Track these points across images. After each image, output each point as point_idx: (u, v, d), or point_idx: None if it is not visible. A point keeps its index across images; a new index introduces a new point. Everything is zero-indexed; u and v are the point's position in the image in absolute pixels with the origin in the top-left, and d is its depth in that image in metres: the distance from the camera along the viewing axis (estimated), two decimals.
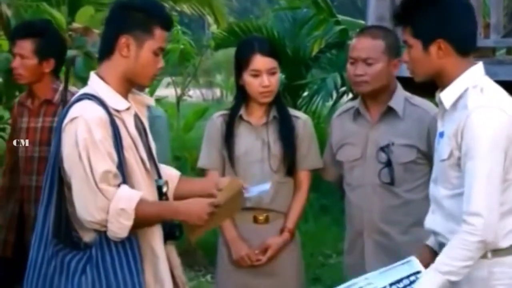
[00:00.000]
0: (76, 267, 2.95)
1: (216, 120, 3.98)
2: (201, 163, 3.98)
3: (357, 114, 3.84)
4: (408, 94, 3.79)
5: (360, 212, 3.78)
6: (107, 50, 3.03)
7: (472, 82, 2.92)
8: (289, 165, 3.90)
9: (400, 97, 3.76)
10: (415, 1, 2.99)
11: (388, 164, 3.70)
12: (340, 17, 10.11)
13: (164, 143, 4.05)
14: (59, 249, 2.97)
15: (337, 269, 6.71)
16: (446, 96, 2.95)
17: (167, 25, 3.07)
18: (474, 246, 2.78)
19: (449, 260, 2.80)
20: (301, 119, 3.97)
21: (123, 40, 2.98)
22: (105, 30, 3.11)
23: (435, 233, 3.03)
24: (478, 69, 2.97)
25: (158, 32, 3.02)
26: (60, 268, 2.96)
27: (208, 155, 3.96)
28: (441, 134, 2.98)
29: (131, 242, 2.96)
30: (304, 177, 3.96)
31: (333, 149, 3.92)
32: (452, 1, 2.98)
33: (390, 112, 3.76)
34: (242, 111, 3.93)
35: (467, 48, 2.98)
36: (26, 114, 4.33)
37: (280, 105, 3.94)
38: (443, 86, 2.98)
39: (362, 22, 9.34)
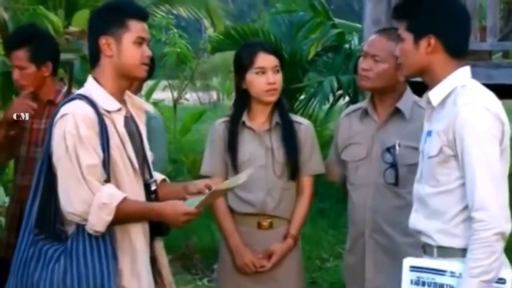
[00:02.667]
0: (52, 256, 3.08)
1: (218, 127, 3.97)
2: (204, 170, 3.96)
3: (364, 114, 3.86)
4: (417, 97, 3.81)
5: (362, 212, 3.80)
6: (94, 55, 3.19)
7: (461, 82, 2.97)
8: (293, 170, 3.90)
9: (409, 100, 3.78)
10: None
11: (393, 164, 3.71)
12: (337, 21, 10.11)
13: (160, 142, 4.04)
14: (40, 239, 3.11)
15: (334, 273, 6.71)
16: (434, 94, 3.00)
17: (140, 15, 3.19)
18: (493, 240, 2.79)
19: (476, 263, 2.80)
20: (303, 124, 3.97)
21: (103, 41, 3.14)
22: (88, 37, 3.26)
23: (418, 232, 3.05)
24: (465, 71, 3.02)
25: (133, 23, 3.15)
26: (38, 256, 3.09)
27: (211, 162, 3.95)
28: (429, 133, 3.01)
29: (104, 235, 3.06)
30: (306, 182, 3.97)
31: (338, 148, 3.94)
32: (451, 3, 3.04)
33: (397, 113, 3.78)
34: (244, 117, 3.93)
35: (457, 50, 3.02)
36: (29, 115, 4.34)
37: (282, 110, 3.95)
38: (431, 85, 3.03)
39: (359, 25, 9.36)
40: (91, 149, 3.02)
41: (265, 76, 3.84)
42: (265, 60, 3.85)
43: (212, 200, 3.17)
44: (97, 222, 3.01)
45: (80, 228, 3.05)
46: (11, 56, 4.26)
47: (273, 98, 3.88)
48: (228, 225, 3.92)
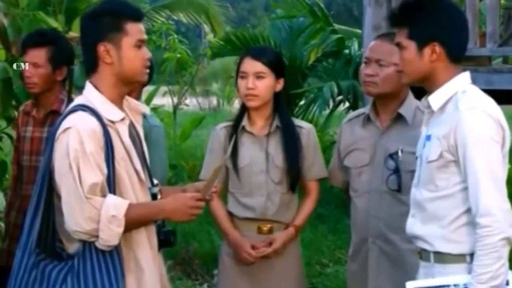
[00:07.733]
0: (56, 277, 2.95)
1: (219, 132, 3.97)
2: (203, 175, 3.95)
3: (366, 120, 3.85)
4: (419, 102, 3.80)
5: (365, 219, 3.79)
6: (91, 62, 3.06)
7: (461, 87, 2.97)
8: (293, 177, 3.89)
9: (411, 105, 3.77)
10: (415, 3, 3.03)
11: (396, 171, 3.70)
12: (337, 26, 10.11)
13: (161, 153, 4.04)
14: (41, 259, 2.98)
15: (334, 278, 6.70)
16: (435, 99, 3.00)
17: (136, 16, 3.07)
18: (499, 245, 2.79)
19: (484, 269, 2.80)
20: (305, 128, 3.96)
21: (101, 48, 3.01)
22: (82, 43, 3.11)
23: (415, 237, 3.05)
24: (465, 76, 3.02)
25: (130, 26, 3.03)
26: (41, 278, 2.97)
27: (211, 167, 3.94)
28: (428, 137, 3.00)
29: (112, 253, 2.95)
30: (312, 186, 3.99)
31: (340, 154, 3.93)
32: (451, 9, 3.04)
33: (400, 119, 3.77)
34: (245, 122, 3.93)
35: (458, 55, 3.02)
36: (30, 124, 4.33)
37: (283, 114, 3.94)
38: (431, 90, 3.02)
39: (359, 31, 9.35)
40: (95, 166, 2.89)
41: (246, 80, 3.85)
42: (248, 64, 3.87)
43: (215, 179, 3.12)
44: (110, 237, 2.90)
45: (87, 246, 2.93)
46: (28, 53, 4.27)
47: (251, 103, 3.87)
48: (226, 223, 3.92)
